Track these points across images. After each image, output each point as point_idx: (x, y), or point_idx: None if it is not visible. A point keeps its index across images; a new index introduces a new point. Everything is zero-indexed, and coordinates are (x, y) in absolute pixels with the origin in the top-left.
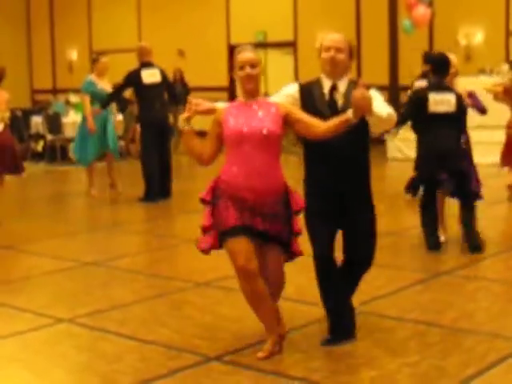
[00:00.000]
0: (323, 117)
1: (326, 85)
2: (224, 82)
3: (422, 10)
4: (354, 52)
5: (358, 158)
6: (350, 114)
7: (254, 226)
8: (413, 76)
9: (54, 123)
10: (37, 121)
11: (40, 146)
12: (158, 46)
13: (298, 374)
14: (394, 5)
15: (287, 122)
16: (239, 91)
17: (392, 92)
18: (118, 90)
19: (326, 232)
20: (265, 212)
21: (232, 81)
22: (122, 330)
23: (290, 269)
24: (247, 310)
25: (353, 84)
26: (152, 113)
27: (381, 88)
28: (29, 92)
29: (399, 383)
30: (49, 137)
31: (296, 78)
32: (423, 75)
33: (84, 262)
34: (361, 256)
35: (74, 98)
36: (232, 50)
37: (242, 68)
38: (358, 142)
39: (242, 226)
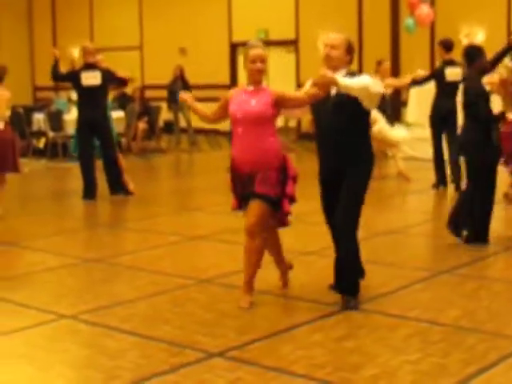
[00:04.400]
0: (320, 103)
1: None
2: (225, 79)
3: (425, 10)
4: (353, 48)
5: (350, 140)
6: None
7: (250, 191)
8: (414, 75)
9: (56, 120)
10: (38, 118)
11: (42, 143)
12: (160, 43)
13: (300, 371)
14: (396, 3)
15: (279, 103)
16: (247, 80)
17: (393, 90)
18: (58, 74)
19: (325, 198)
20: (259, 177)
21: (233, 79)
22: (125, 326)
23: (295, 267)
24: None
25: (349, 75)
26: (86, 113)
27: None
28: (31, 89)
29: (401, 380)
30: (50, 134)
31: (297, 76)
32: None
33: (86, 258)
34: (337, 218)
35: (75, 96)
36: (234, 47)
37: (253, 62)
38: (348, 124)
39: (243, 196)
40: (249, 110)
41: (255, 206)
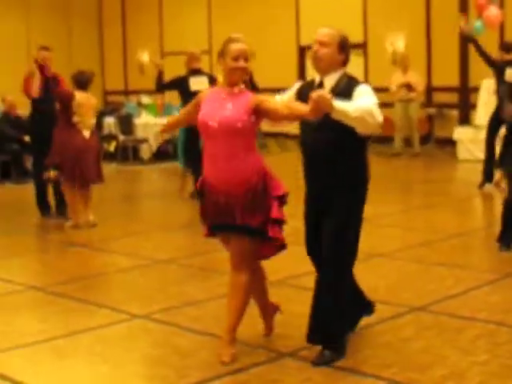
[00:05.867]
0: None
1: (317, 81)
2: (294, 82)
3: (494, 11)
4: (348, 45)
5: (335, 160)
6: (308, 109)
7: (226, 222)
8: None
9: (126, 124)
10: (109, 122)
11: (112, 147)
12: None
13: (369, 371)
14: (464, 5)
15: (259, 111)
16: (221, 78)
17: (462, 93)
18: (162, 83)
19: (309, 231)
20: (236, 204)
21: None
22: (196, 326)
23: (363, 270)
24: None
25: (345, 78)
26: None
27: (451, 89)
28: (101, 93)
29: (469, 381)
30: (121, 137)
31: (366, 79)
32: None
33: (158, 259)
34: (324, 256)
35: (145, 100)
36: (302, 51)
37: (235, 59)
38: (336, 143)
39: (218, 225)
40: (224, 117)
41: (236, 243)
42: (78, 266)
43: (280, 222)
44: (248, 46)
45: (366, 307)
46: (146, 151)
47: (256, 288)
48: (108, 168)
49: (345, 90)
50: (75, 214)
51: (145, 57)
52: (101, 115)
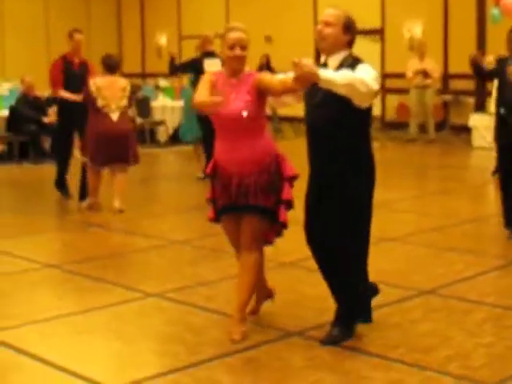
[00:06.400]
0: (311, 92)
1: (321, 61)
2: None
3: None
4: (354, 26)
5: (335, 136)
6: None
7: (238, 202)
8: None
9: (144, 107)
10: None
11: None
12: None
13: (376, 351)
14: None
15: (261, 90)
16: (225, 69)
17: (478, 81)
18: (176, 66)
19: (310, 212)
20: (249, 185)
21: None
22: (209, 305)
23: (374, 254)
24: (328, 289)
25: (350, 59)
26: None
27: (467, 76)
28: (118, 76)
29: (473, 362)
30: (138, 120)
31: (382, 65)
32: None
33: (173, 240)
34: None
35: (163, 83)
36: None
37: (232, 47)
38: (335, 119)
39: (227, 207)
40: (231, 107)
41: (248, 223)
42: (95, 246)
43: (290, 204)
44: (245, 34)
45: (373, 289)
46: (162, 134)
47: None
48: None
49: (348, 69)
50: (92, 194)
51: (163, 40)
52: None
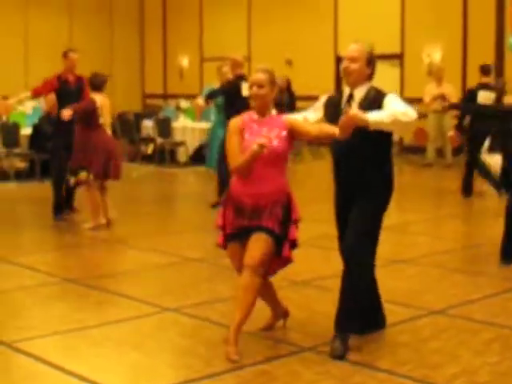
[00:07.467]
0: (333, 114)
1: (346, 94)
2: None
3: None
4: (374, 60)
5: (361, 166)
6: (336, 130)
7: (251, 225)
8: None
9: (164, 127)
10: (147, 124)
11: (150, 149)
12: (267, 55)
13: (384, 366)
14: (501, 21)
15: (293, 133)
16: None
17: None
18: (213, 93)
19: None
20: (263, 211)
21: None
22: (224, 320)
23: (384, 275)
24: None
25: (373, 90)
26: None
27: None
28: (140, 96)
29: (479, 379)
30: (159, 140)
31: (402, 90)
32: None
33: (190, 258)
34: (346, 244)
35: (184, 104)
36: (339, 60)
37: (250, 87)
38: (360, 149)
39: (236, 233)
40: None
41: (260, 239)
42: (113, 262)
43: (294, 244)
44: (265, 74)
45: (378, 320)
46: (182, 154)
47: (266, 293)
48: (145, 169)
49: (374, 100)
50: (97, 217)
51: (184, 62)
52: (139, 118)
